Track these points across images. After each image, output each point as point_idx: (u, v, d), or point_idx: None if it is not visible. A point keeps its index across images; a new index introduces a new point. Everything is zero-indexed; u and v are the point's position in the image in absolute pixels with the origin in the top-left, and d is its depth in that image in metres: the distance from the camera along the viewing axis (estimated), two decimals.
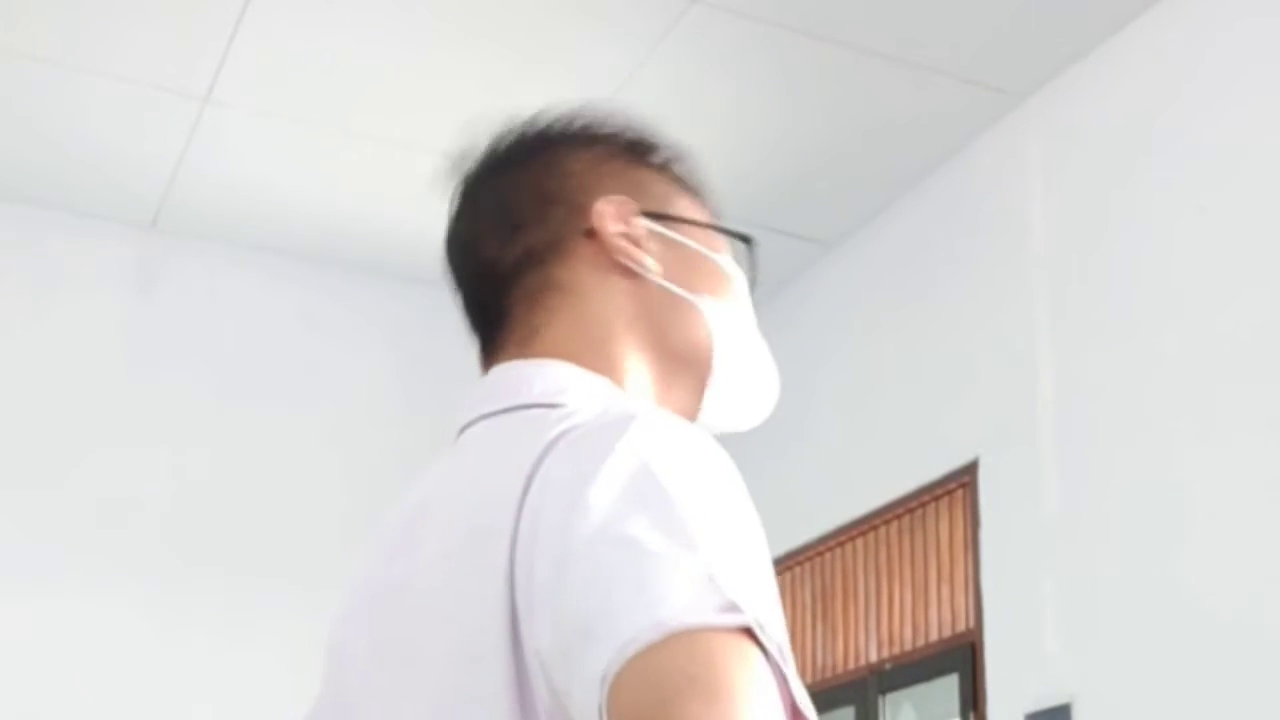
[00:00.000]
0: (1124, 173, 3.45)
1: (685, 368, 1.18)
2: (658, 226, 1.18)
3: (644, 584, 0.88)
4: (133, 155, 4.06)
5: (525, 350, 1.15)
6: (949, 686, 3.71)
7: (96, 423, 4.25)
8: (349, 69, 3.71)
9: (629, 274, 1.16)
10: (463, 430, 1.15)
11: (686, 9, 3.39)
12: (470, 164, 1.23)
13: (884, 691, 3.92)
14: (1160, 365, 3.25)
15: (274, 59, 3.67)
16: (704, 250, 1.20)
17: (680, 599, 0.87)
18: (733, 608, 0.87)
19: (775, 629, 0.89)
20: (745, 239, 1.24)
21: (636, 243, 1.16)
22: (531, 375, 1.12)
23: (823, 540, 4.16)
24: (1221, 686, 2.96)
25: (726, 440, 1.08)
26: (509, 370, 1.15)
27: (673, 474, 0.94)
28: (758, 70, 3.65)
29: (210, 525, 4.26)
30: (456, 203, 1.23)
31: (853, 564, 4.15)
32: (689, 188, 1.24)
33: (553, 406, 1.08)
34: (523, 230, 1.17)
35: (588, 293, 1.15)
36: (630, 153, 1.22)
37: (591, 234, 1.16)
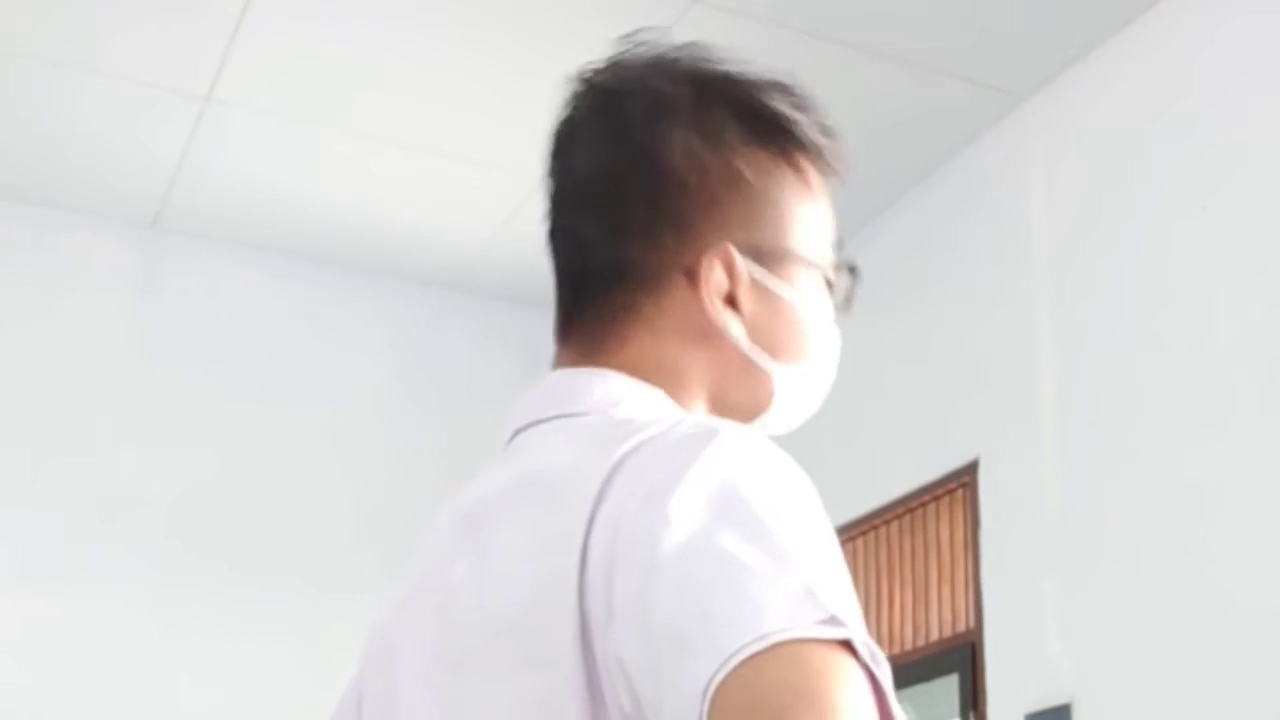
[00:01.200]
0: (1124, 172, 3.45)
1: (735, 415, 1.16)
2: (761, 272, 1.13)
3: (743, 596, 0.87)
4: (133, 155, 4.06)
5: (589, 361, 1.13)
6: (949, 686, 3.71)
7: (98, 422, 4.25)
8: (349, 69, 3.71)
9: (715, 331, 1.12)
10: (516, 434, 1.13)
11: (687, 9, 3.39)
12: (596, 92, 1.17)
13: None
14: (1161, 364, 3.25)
15: (274, 59, 3.67)
16: (798, 305, 1.16)
17: (782, 611, 0.86)
18: (834, 621, 0.87)
19: (870, 642, 0.89)
20: (851, 269, 1.22)
21: (734, 299, 1.12)
22: (592, 383, 1.11)
23: None
24: (1223, 686, 2.96)
25: None
26: (567, 377, 1.13)
27: (758, 489, 0.94)
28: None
29: (212, 524, 4.27)
30: (576, 128, 1.16)
31: (853, 564, 4.15)
32: (819, 177, 1.18)
33: (613, 415, 1.07)
34: (625, 237, 1.12)
35: (666, 334, 1.12)
36: (762, 143, 1.14)
37: (691, 274, 1.11)
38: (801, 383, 1.18)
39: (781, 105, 1.16)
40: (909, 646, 3.88)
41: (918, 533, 3.93)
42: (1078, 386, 3.47)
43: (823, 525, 0.96)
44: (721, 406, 1.15)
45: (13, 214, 4.25)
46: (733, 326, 1.12)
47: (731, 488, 0.93)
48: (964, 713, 3.64)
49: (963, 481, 3.76)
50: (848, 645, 0.87)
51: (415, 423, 4.55)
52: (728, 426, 1.02)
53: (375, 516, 4.36)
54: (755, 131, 1.15)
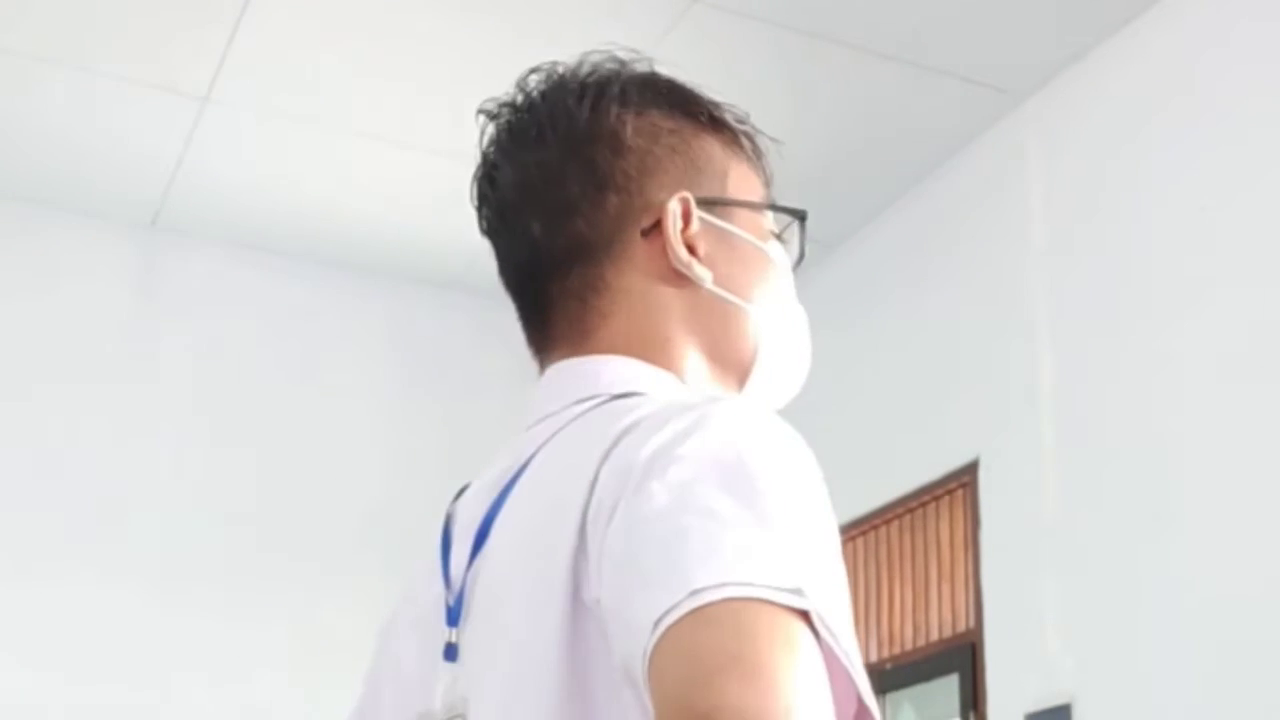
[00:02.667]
0: (1124, 172, 3.45)
1: (732, 370, 1.17)
2: (713, 219, 1.15)
3: (717, 547, 0.88)
4: (133, 155, 4.06)
5: (580, 350, 1.14)
6: (949, 686, 3.71)
7: (96, 421, 4.25)
8: (347, 69, 3.71)
9: (683, 279, 1.13)
10: (528, 430, 1.14)
11: (687, 8, 3.39)
12: (512, 110, 1.18)
13: (884, 691, 3.92)
14: (1160, 364, 3.25)
15: (274, 59, 3.67)
16: (754, 241, 1.18)
17: (749, 569, 0.86)
18: (797, 591, 0.87)
19: (837, 619, 0.89)
20: (799, 215, 1.22)
21: (694, 247, 1.14)
22: (598, 369, 1.12)
23: None
24: (1221, 686, 2.96)
25: None
26: (571, 366, 1.14)
27: (756, 458, 0.94)
28: (758, 70, 3.65)
29: (211, 524, 4.26)
30: (496, 154, 1.17)
31: (853, 564, 4.15)
32: (739, 145, 1.21)
33: (625, 395, 1.07)
34: (574, 216, 1.13)
35: (642, 298, 1.13)
36: (685, 113, 1.18)
37: (648, 233, 1.13)
38: (779, 327, 1.20)
39: (701, 93, 1.21)
40: (909, 646, 3.88)
41: (918, 532, 3.93)
42: (1077, 386, 3.47)
43: (818, 499, 0.96)
44: (718, 358, 1.16)
45: (12, 213, 4.25)
46: (696, 268, 1.13)
47: (733, 453, 0.94)
48: (964, 713, 3.64)
49: (963, 481, 3.76)
50: (808, 618, 0.87)
51: (415, 421, 4.55)
52: (732, 397, 1.04)
53: (376, 514, 4.36)
54: (679, 106, 1.18)
